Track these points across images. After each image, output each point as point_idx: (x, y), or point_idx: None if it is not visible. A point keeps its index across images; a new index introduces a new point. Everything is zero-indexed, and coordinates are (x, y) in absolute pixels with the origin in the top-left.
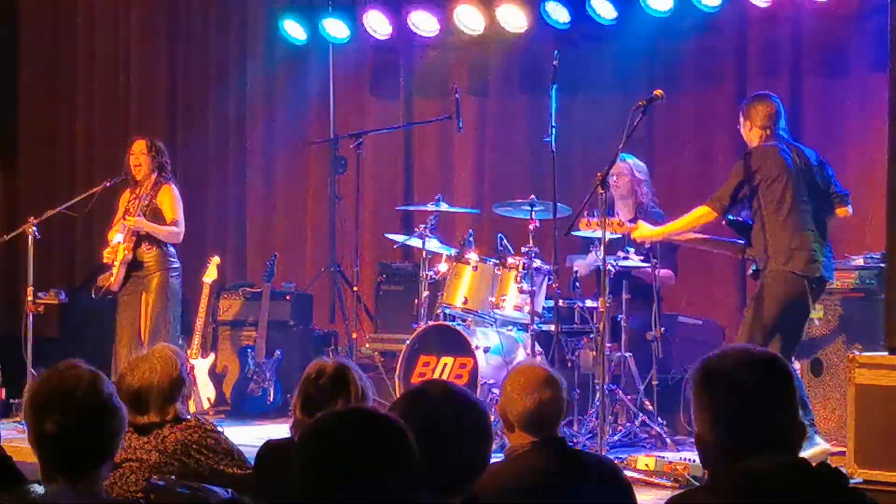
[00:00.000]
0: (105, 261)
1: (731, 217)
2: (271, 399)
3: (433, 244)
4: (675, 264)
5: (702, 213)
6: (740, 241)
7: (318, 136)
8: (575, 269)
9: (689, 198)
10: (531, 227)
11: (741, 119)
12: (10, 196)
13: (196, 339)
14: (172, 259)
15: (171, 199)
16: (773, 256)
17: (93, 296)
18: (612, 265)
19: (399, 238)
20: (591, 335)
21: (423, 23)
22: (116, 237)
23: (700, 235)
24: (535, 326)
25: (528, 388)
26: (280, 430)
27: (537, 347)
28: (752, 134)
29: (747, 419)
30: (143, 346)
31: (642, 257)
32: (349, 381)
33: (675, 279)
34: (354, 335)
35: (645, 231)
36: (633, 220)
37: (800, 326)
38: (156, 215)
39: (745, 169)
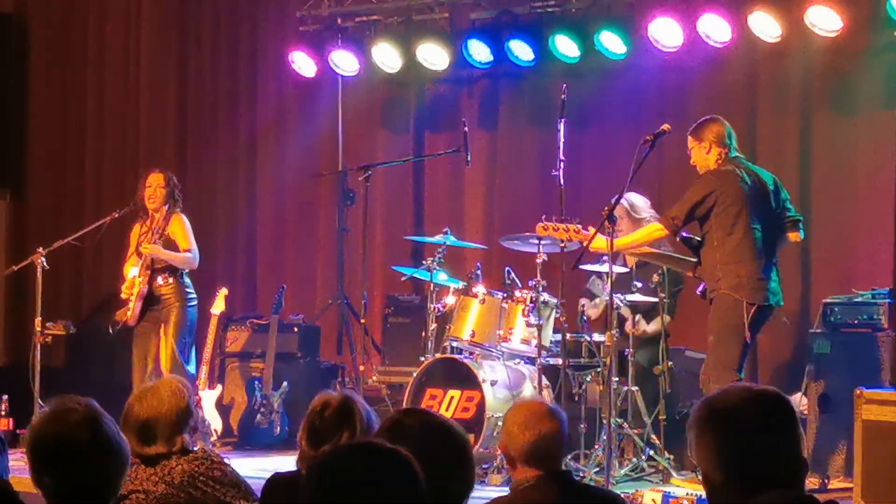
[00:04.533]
0: (122, 296)
1: (685, 235)
2: (278, 431)
3: (441, 277)
4: (674, 306)
5: (654, 229)
6: (692, 259)
7: (327, 169)
8: (583, 308)
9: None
10: (539, 260)
11: (693, 143)
12: (19, 226)
13: (203, 371)
14: (189, 290)
15: (182, 229)
16: (723, 279)
17: (110, 331)
18: (620, 301)
19: (407, 271)
20: (598, 369)
21: (433, 56)
22: (132, 271)
23: (653, 250)
24: (542, 360)
25: (529, 422)
26: (287, 462)
27: (544, 381)
28: (709, 156)
29: (754, 456)
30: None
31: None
32: (354, 414)
33: (673, 322)
34: (362, 367)
35: (601, 243)
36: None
37: (736, 352)
38: (168, 245)
39: (702, 189)
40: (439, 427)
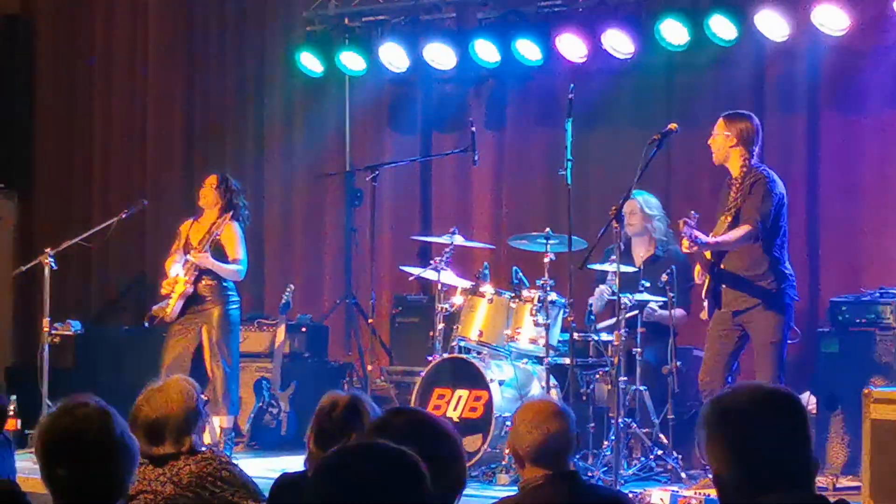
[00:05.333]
0: (163, 292)
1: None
2: (286, 431)
3: (448, 276)
4: (688, 302)
5: (748, 233)
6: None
7: (334, 169)
8: (590, 308)
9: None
10: (546, 260)
11: (723, 128)
12: (27, 227)
13: None
14: (231, 292)
15: (234, 237)
16: (777, 280)
17: (145, 324)
18: (628, 300)
19: (414, 270)
20: (606, 368)
21: (440, 56)
22: (174, 268)
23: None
24: (549, 359)
25: (537, 422)
26: (295, 461)
27: (552, 380)
28: (732, 150)
29: (765, 456)
30: (212, 378)
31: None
32: (362, 414)
33: (688, 318)
34: (369, 367)
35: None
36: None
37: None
38: (218, 251)
39: (772, 191)
40: (428, 425)
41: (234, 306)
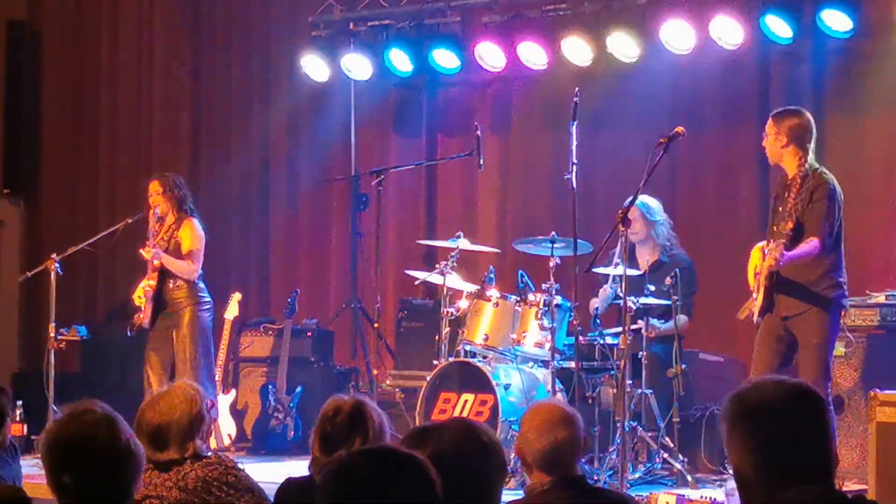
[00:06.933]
0: (136, 301)
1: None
2: (292, 435)
3: (454, 281)
4: (691, 307)
5: (816, 246)
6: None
7: (340, 173)
8: (594, 308)
9: (713, 236)
10: (552, 263)
11: (772, 128)
12: (33, 233)
13: (217, 375)
14: (203, 294)
15: (190, 233)
16: (830, 287)
17: (128, 333)
18: (633, 302)
19: (420, 275)
20: (612, 372)
21: (445, 60)
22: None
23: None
24: (555, 363)
25: (545, 428)
26: (301, 466)
27: (558, 384)
28: (785, 151)
29: (787, 451)
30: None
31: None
32: (366, 419)
33: (691, 323)
34: (375, 371)
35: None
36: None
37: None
38: (177, 250)
39: (834, 199)
40: (471, 440)
41: (207, 307)
